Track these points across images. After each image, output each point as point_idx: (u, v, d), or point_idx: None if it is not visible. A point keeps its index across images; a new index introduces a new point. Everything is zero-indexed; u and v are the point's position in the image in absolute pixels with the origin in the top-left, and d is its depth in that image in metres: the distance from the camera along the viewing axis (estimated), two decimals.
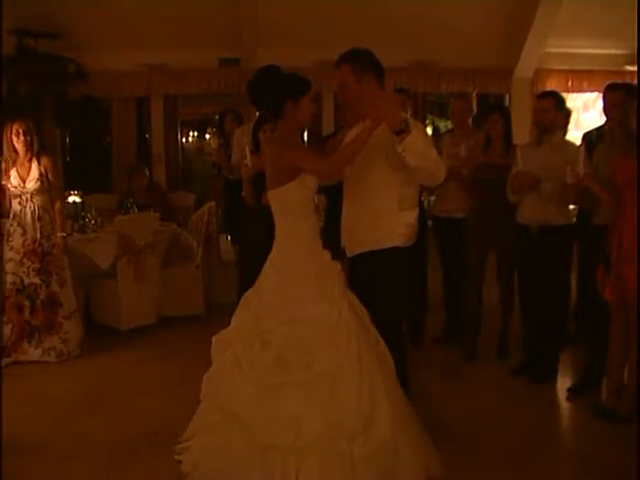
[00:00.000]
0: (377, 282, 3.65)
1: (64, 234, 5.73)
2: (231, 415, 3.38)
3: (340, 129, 4.50)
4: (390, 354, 3.56)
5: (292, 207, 3.50)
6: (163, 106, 9.67)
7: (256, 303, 3.53)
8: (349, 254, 3.80)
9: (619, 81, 5.61)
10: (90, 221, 6.76)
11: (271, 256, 3.57)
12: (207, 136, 13.08)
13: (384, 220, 3.63)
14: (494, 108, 6.13)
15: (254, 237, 5.55)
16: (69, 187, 7.66)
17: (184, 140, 11.49)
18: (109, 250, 6.21)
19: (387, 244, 3.63)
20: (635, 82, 7.59)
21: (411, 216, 3.72)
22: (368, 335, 3.46)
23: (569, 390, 4.87)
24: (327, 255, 3.57)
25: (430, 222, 6.09)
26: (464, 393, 5.06)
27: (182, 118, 10.51)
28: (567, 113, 5.10)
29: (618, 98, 4.83)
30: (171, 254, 7.04)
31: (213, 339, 3.60)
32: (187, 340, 6.16)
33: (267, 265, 3.58)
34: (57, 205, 5.69)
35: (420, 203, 6.02)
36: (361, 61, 3.63)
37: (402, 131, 3.26)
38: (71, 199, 6.94)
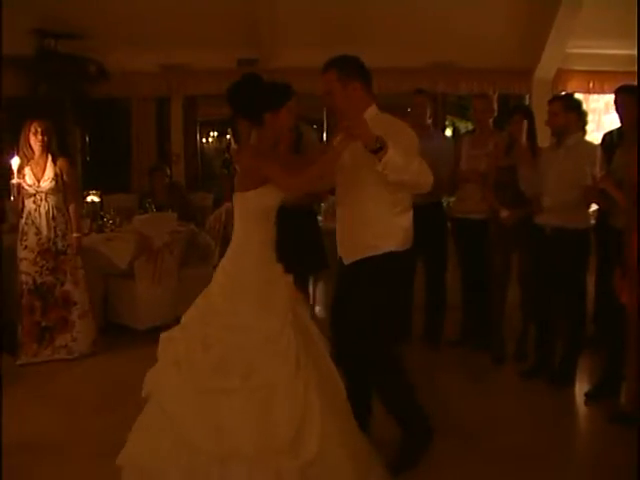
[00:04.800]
0: (373, 288, 3.64)
1: (78, 234, 5.75)
2: (164, 413, 3.32)
3: None
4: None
5: (251, 214, 3.47)
6: (182, 106, 9.69)
7: (204, 305, 3.47)
8: (346, 262, 3.77)
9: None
10: (108, 221, 6.80)
11: (224, 258, 3.54)
12: (228, 136, 13.09)
13: (379, 225, 3.64)
14: (517, 109, 6.06)
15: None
16: (88, 187, 7.71)
17: (204, 140, 11.49)
18: (127, 250, 6.24)
19: (384, 249, 3.62)
20: None
21: (406, 219, 3.72)
22: (311, 350, 3.40)
23: (587, 395, 4.83)
24: (278, 267, 3.53)
25: (449, 224, 6.07)
26: (481, 396, 5.04)
27: (203, 118, 10.50)
28: (580, 114, 5.05)
29: (628, 100, 4.82)
30: (189, 254, 7.05)
31: (161, 336, 3.52)
32: None
33: (219, 267, 3.54)
34: (72, 206, 5.74)
35: (439, 204, 6.08)
36: (348, 68, 3.62)
37: (380, 149, 3.26)
38: (90, 199, 6.99)
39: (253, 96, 3.46)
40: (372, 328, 3.65)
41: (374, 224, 3.63)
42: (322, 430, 3.19)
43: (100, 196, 7.09)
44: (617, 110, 5.21)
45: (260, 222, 3.48)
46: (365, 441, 3.52)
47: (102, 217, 6.83)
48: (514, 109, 6.20)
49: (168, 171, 8.07)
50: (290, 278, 3.53)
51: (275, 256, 3.55)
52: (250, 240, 3.47)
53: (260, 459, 3.13)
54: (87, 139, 9.89)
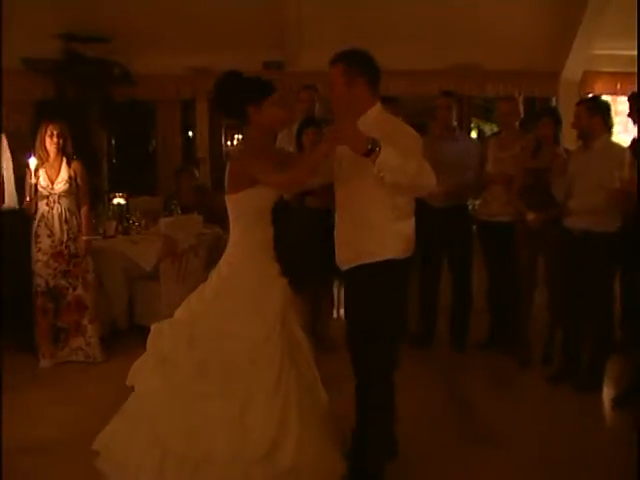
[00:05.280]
0: (370, 296, 3.45)
1: (88, 237, 5.75)
2: (143, 407, 3.35)
3: None
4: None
5: (245, 215, 3.44)
6: (208, 109, 9.73)
7: (195, 303, 3.47)
8: (342, 268, 3.59)
9: None
10: (134, 223, 6.83)
11: (221, 260, 3.51)
12: None
13: (378, 231, 3.43)
14: (545, 112, 6.02)
15: (295, 239, 5.55)
16: (115, 189, 7.75)
17: (229, 143, 11.55)
18: (152, 252, 6.25)
19: (382, 256, 3.41)
20: None
21: (407, 227, 3.51)
22: (296, 357, 3.39)
23: (614, 400, 4.78)
24: (275, 269, 3.50)
25: (475, 226, 6.04)
26: (507, 399, 5.01)
27: (228, 121, 10.55)
28: (605, 116, 5.02)
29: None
30: (214, 257, 7.05)
31: (152, 327, 3.51)
32: None
33: (216, 268, 3.51)
34: (83, 209, 5.74)
35: (465, 207, 6.06)
36: (354, 62, 3.44)
37: (372, 151, 3.08)
38: (116, 201, 7.02)
39: (232, 92, 3.41)
40: (371, 335, 3.46)
41: (372, 229, 3.43)
42: (299, 441, 3.17)
43: (126, 198, 7.13)
44: (629, 115, 5.24)
45: (255, 223, 3.45)
46: (342, 454, 3.44)
47: (128, 219, 6.86)
48: (542, 112, 6.18)
49: (196, 173, 8.10)
50: (285, 280, 3.49)
51: (272, 256, 3.53)
52: (245, 242, 3.46)
53: (233, 466, 3.12)
54: (113, 142, 9.95)
